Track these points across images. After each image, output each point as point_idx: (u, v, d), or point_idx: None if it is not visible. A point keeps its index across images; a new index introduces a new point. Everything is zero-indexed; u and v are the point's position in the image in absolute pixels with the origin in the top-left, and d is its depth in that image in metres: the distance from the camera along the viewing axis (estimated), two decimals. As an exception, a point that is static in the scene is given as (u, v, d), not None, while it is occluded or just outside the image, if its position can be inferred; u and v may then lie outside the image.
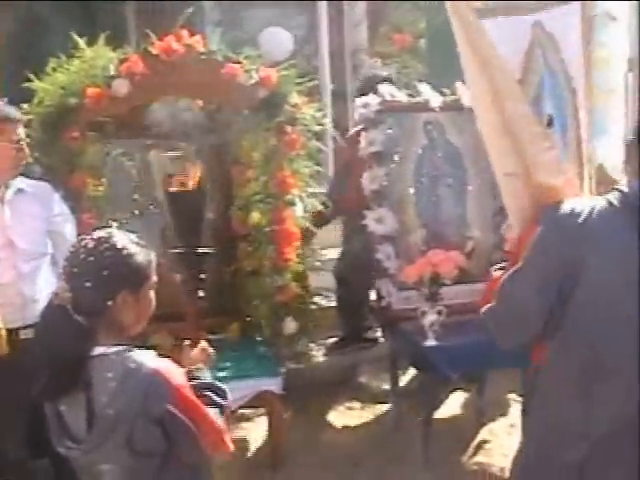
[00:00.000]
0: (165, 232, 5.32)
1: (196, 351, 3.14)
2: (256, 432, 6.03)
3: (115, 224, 4.89)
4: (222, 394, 3.01)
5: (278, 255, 5.20)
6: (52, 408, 2.78)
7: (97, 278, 2.73)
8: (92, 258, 2.75)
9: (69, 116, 4.80)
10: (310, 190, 5.36)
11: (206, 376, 3.05)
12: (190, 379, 2.99)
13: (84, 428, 2.70)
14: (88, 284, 2.72)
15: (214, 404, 2.94)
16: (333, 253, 7.17)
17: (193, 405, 2.78)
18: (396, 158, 5.78)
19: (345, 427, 6.13)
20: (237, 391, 4.99)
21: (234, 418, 5.87)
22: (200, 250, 3.23)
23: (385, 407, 6.34)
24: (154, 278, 2.90)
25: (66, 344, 2.69)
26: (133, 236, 2.91)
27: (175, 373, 2.79)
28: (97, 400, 2.67)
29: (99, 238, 2.81)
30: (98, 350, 2.72)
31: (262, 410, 5.74)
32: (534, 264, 3.09)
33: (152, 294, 2.91)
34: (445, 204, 5.92)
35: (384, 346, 6.51)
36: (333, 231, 6.95)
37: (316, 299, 5.53)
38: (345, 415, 6.32)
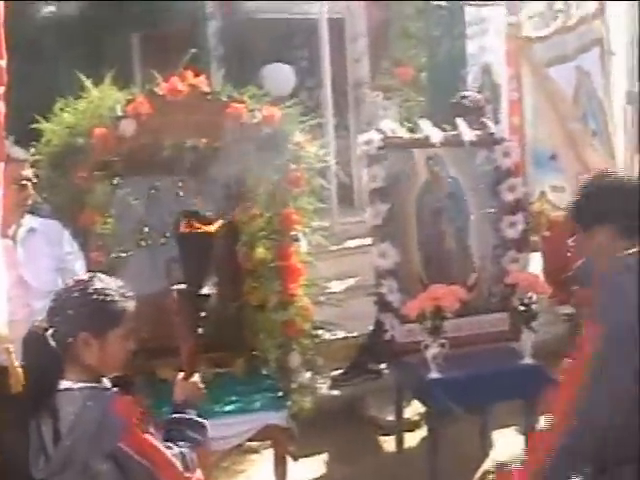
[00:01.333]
0: (170, 265, 5.41)
1: (187, 385, 3.23)
2: (262, 464, 6.10)
3: (122, 255, 5.06)
4: (200, 430, 3.11)
5: (283, 290, 5.25)
6: (35, 426, 2.85)
7: (64, 315, 2.89)
8: (65, 295, 2.94)
9: (77, 156, 4.86)
10: (314, 226, 5.42)
11: (190, 411, 3.14)
12: (173, 412, 3.13)
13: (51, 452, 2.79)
14: (57, 319, 2.90)
15: (188, 439, 3.04)
16: (337, 286, 7.25)
17: (148, 445, 2.84)
18: (398, 193, 5.86)
19: (351, 459, 6.19)
20: (243, 425, 5.08)
21: (241, 451, 5.95)
22: (204, 291, 3.32)
23: (390, 438, 6.40)
24: (127, 327, 2.99)
25: (38, 370, 2.85)
26: (119, 283, 3.03)
27: (132, 412, 2.85)
28: (60, 430, 2.77)
29: (81, 279, 3.00)
30: (65, 384, 2.86)
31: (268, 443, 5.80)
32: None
33: (126, 342, 3.01)
34: (447, 238, 5.99)
35: (389, 378, 6.56)
36: (337, 265, 7.02)
37: (320, 333, 5.57)
38: (351, 446, 6.38)
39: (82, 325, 2.89)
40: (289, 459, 5.48)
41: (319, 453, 6.07)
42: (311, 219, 5.40)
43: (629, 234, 3.28)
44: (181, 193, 5.47)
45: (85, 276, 3.04)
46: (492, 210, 6.03)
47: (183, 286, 3.32)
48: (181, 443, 3.01)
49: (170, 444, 2.97)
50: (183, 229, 3.31)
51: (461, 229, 6.03)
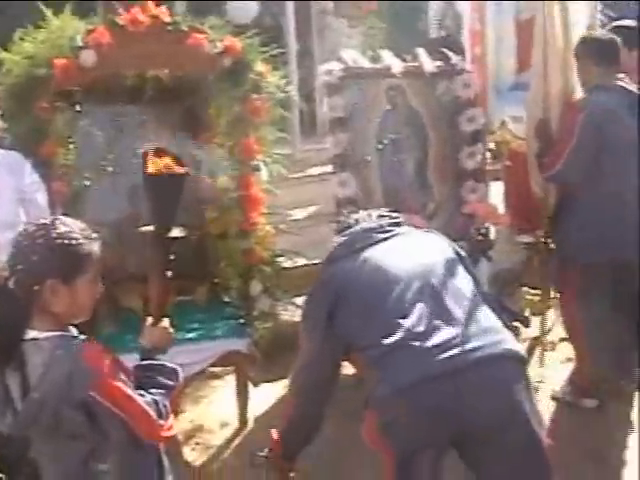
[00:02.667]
0: (133, 192, 5.44)
1: (156, 330, 3.12)
2: (225, 390, 6.21)
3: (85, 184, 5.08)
4: (172, 376, 3.02)
5: (244, 219, 5.30)
6: (0, 379, 2.76)
7: (28, 262, 2.74)
8: (28, 242, 2.77)
9: (37, 86, 4.81)
10: (275, 155, 5.46)
11: (160, 357, 3.05)
12: (142, 359, 3.03)
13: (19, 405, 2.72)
14: (20, 267, 2.75)
15: (160, 386, 2.94)
16: (298, 214, 7.31)
17: (120, 392, 2.76)
18: (358, 123, 5.90)
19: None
20: (205, 351, 5.16)
21: (204, 377, 6.05)
22: (173, 234, 3.20)
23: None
24: (94, 271, 2.87)
25: (2, 321, 2.72)
26: (82, 225, 2.90)
27: (102, 360, 2.77)
28: (28, 383, 2.69)
29: (42, 224, 2.83)
30: (31, 334, 2.74)
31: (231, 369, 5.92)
32: None
33: (94, 286, 2.90)
34: (407, 168, 6.05)
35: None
36: (298, 194, 7.07)
37: (281, 260, 5.64)
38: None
39: (48, 271, 2.75)
40: (251, 385, 5.60)
41: (281, 379, 6.15)
42: (272, 148, 5.43)
43: None
44: (144, 123, 5.48)
45: (47, 220, 2.88)
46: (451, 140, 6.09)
47: (151, 228, 3.16)
48: (153, 390, 2.91)
49: (142, 392, 2.86)
50: (152, 170, 3.13)
51: (421, 159, 6.09)
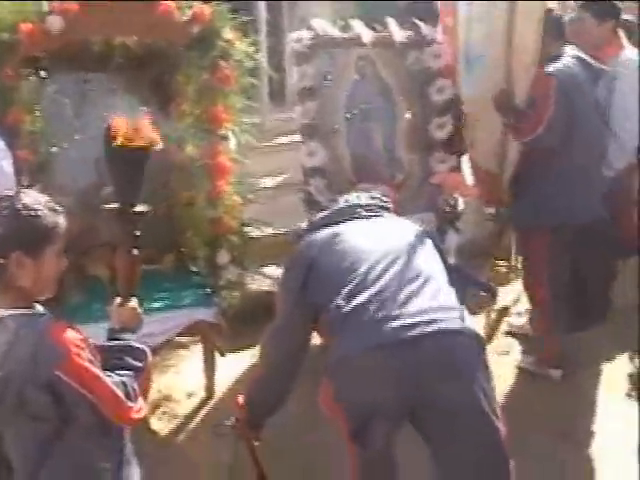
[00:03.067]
0: (100, 160, 5.39)
1: (125, 310, 3.07)
2: (192, 360, 6.21)
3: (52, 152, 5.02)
4: (141, 357, 2.96)
5: (212, 188, 5.28)
6: None
7: None
8: None
9: (2, 52, 4.74)
10: (243, 125, 5.43)
11: (129, 337, 2.99)
12: (110, 339, 2.97)
13: None
14: None
15: (128, 367, 2.89)
16: (266, 183, 7.29)
17: (88, 373, 2.68)
18: (327, 92, 5.87)
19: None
20: (172, 321, 5.15)
21: (171, 346, 6.03)
22: (137, 209, 3.10)
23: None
24: (60, 243, 2.82)
25: None
26: (46, 198, 2.83)
27: (70, 339, 2.69)
28: None
29: (6, 196, 2.76)
30: None
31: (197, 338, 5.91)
32: None
33: (59, 260, 2.84)
34: (375, 138, 6.04)
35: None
36: (266, 163, 7.05)
37: (248, 229, 5.62)
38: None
39: (14, 244, 2.68)
40: (218, 355, 5.60)
41: (247, 348, 6.16)
42: (240, 117, 5.40)
43: None
44: (111, 90, 5.43)
45: (10, 192, 2.81)
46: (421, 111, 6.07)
47: (115, 204, 3.08)
48: (121, 372, 2.85)
49: (110, 373, 2.80)
50: (116, 143, 2.97)
51: (389, 129, 6.07)
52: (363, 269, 3.51)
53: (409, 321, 3.33)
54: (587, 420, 5.26)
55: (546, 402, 5.45)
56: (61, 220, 2.82)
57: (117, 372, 2.84)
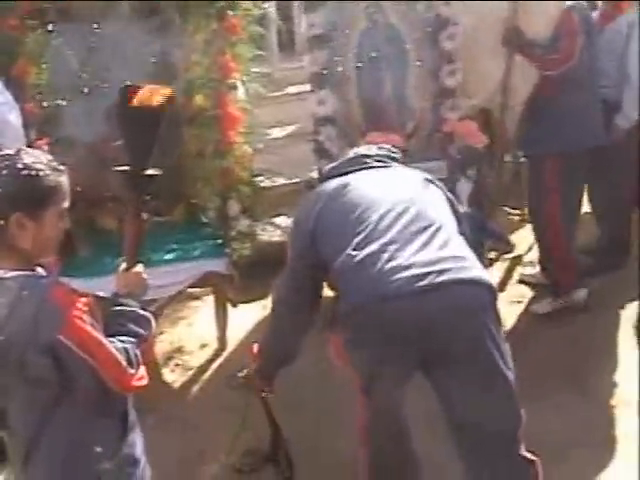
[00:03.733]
0: (108, 113, 5.34)
1: (130, 275, 2.98)
2: (204, 311, 6.21)
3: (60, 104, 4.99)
4: (145, 324, 2.89)
5: (221, 138, 5.25)
6: None
7: None
8: None
9: (7, 4, 4.72)
10: (252, 74, 5.38)
11: (133, 303, 2.91)
12: (115, 305, 2.89)
13: None
14: None
15: (131, 334, 2.83)
16: (276, 133, 7.25)
17: (89, 337, 2.63)
18: (337, 41, 5.80)
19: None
20: (183, 272, 5.15)
21: (182, 298, 6.04)
22: (148, 172, 3.02)
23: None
24: (64, 205, 2.76)
25: None
26: (49, 157, 2.76)
27: (72, 302, 2.64)
28: None
29: (6, 154, 2.70)
30: None
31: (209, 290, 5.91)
32: None
33: (60, 221, 2.77)
34: (386, 86, 5.96)
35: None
36: (276, 112, 7.01)
37: (259, 180, 5.59)
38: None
39: (15, 205, 2.62)
40: (230, 306, 5.60)
41: (259, 299, 6.17)
42: (249, 66, 5.36)
43: None
44: (118, 41, 5.36)
45: (11, 151, 2.71)
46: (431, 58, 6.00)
47: (126, 167, 2.96)
48: (124, 338, 2.78)
49: (112, 339, 2.74)
50: (129, 103, 2.87)
51: (400, 77, 5.98)
52: (374, 218, 3.48)
53: (420, 271, 3.30)
54: (601, 369, 5.25)
55: (559, 350, 5.44)
56: (64, 180, 2.76)
57: (119, 338, 2.78)
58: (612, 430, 4.67)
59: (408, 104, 6.01)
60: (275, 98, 7.70)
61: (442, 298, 3.31)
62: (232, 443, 4.42)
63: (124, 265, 3.00)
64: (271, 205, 6.06)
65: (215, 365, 5.61)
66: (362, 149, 3.99)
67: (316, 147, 5.76)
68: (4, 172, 2.63)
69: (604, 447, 4.53)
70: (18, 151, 2.71)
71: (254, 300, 6.13)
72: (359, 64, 5.87)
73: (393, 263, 3.34)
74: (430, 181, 3.84)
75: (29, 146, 4.41)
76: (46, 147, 4.46)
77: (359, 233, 3.47)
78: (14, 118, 4.53)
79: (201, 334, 5.97)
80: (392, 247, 3.38)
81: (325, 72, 5.74)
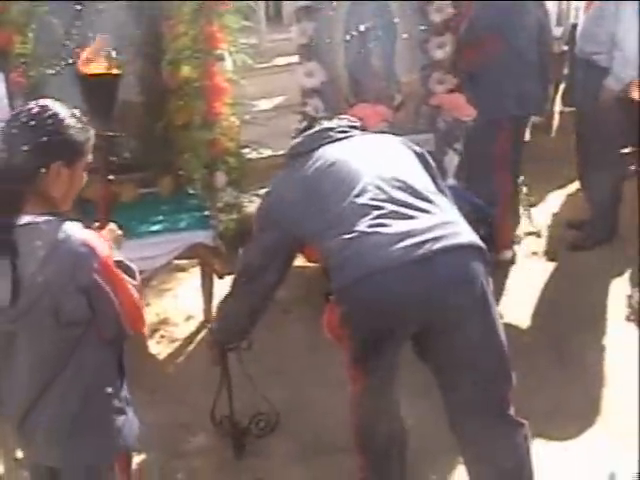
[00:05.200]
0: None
1: (105, 232, 3.11)
2: (190, 282, 6.20)
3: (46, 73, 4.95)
4: (134, 274, 3.01)
5: (208, 109, 5.21)
6: None
7: (35, 144, 2.74)
8: (33, 123, 2.77)
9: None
10: (240, 45, 5.35)
11: (120, 256, 3.02)
12: None
13: (7, 296, 2.69)
14: (25, 148, 2.73)
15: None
16: (264, 104, 7.22)
17: (117, 278, 2.84)
18: (325, 12, 5.77)
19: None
20: (170, 244, 5.13)
21: (169, 269, 6.02)
22: (110, 133, 3.15)
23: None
24: (89, 157, 2.91)
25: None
26: (77, 111, 2.91)
27: (102, 245, 2.83)
28: (24, 268, 2.69)
29: (44, 106, 2.83)
30: (27, 219, 2.74)
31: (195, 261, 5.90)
32: None
33: (83, 174, 2.92)
34: (373, 57, 5.94)
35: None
36: (264, 84, 6.98)
37: (246, 152, 5.57)
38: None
39: (56, 154, 2.79)
40: (216, 277, 5.59)
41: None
42: (237, 37, 5.32)
43: None
44: (102, 12, 5.32)
45: (46, 102, 2.86)
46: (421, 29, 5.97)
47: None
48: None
49: None
50: (85, 71, 3.10)
51: (388, 49, 5.97)
52: (357, 191, 3.45)
53: (416, 240, 3.29)
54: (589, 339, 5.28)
55: (546, 321, 5.49)
56: (92, 134, 2.92)
57: None
58: (597, 399, 4.72)
59: (395, 76, 5.99)
60: (262, 69, 7.67)
61: (441, 265, 3.30)
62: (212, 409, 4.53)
63: (96, 224, 3.17)
64: (257, 177, 6.02)
65: (200, 337, 5.61)
66: (325, 123, 3.92)
67: (303, 119, 5.73)
68: (49, 121, 2.79)
69: (587, 416, 4.60)
70: (55, 104, 2.87)
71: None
72: (347, 37, 5.85)
73: (387, 234, 3.32)
74: (403, 145, 3.80)
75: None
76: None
77: (345, 208, 3.45)
78: (-1, 88, 4.52)
79: (187, 306, 5.97)
80: (382, 219, 3.36)
81: (313, 44, 5.71)
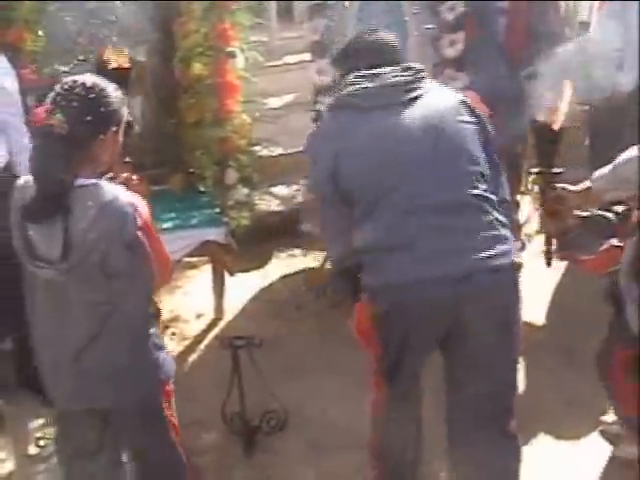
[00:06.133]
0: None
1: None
2: (201, 280, 6.20)
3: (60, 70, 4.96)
4: None
5: (219, 107, 5.23)
6: (21, 233, 3.04)
7: (96, 113, 3.03)
8: (93, 95, 3.04)
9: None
10: (251, 43, 5.36)
11: None
12: None
13: (58, 252, 2.97)
14: (88, 118, 3.00)
15: None
16: (275, 102, 7.22)
17: (154, 235, 3.19)
18: (337, 9, 5.76)
19: (286, 275, 6.34)
20: (181, 241, 5.12)
21: (180, 267, 6.02)
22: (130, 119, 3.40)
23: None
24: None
25: (55, 171, 2.95)
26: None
27: (143, 206, 3.12)
28: (76, 226, 2.95)
29: (95, 80, 3.09)
30: (79, 181, 2.99)
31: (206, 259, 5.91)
32: None
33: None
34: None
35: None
36: (275, 81, 6.98)
37: (257, 149, 5.57)
38: (288, 260, 6.52)
39: (112, 121, 3.12)
40: (227, 274, 5.59)
41: (256, 268, 6.17)
42: (248, 35, 5.33)
43: None
44: (116, 7, 5.32)
45: (93, 77, 3.12)
46: (432, 27, 5.95)
47: None
48: None
49: None
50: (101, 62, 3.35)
51: (400, 47, 5.95)
52: (408, 190, 3.33)
53: (460, 257, 3.29)
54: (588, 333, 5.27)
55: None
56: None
57: None
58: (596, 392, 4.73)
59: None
60: (273, 67, 7.67)
61: (475, 284, 3.29)
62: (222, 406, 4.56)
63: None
64: (269, 174, 6.03)
65: (212, 334, 5.61)
66: (388, 76, 3.62)
67: (315, 117, 5.72)
68: (104, 93, 3.08)
69: (599, 414, 4.58)
70: (100, 79, 3.15)
71: (251, 269, 6.12)
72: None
73: (427, 244, 3.29)
74: (461, 109, 3.53)
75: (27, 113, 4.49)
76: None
77: (396, 205, 3.33)
78: (10, 84, 4.52)
79: (198, 303, 5.97)
80: (425, 230, 3.31)
81: (325, 41, 5.70)
